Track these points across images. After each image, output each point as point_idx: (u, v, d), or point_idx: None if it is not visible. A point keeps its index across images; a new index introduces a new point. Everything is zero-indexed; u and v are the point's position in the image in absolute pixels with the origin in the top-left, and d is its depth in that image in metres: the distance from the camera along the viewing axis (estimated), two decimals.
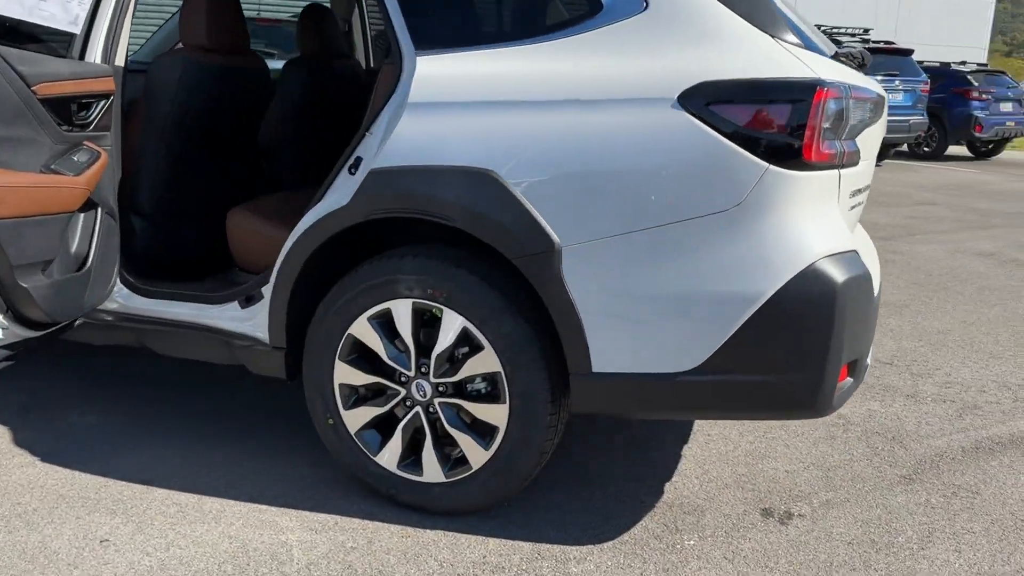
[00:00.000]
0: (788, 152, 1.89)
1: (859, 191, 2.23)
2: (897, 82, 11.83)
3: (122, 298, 2.65)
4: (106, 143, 2.41)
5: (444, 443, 2.32)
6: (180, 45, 4.40)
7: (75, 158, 2.24)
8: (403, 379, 2.30)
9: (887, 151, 12.85)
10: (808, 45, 2.06)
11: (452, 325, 2.18)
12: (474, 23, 2.22)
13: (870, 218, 7.73)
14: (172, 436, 2.80)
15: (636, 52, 2.00)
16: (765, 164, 1.89)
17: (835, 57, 2.18)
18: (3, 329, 2.24)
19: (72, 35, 2.33)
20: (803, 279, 1.92)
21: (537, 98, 2.04)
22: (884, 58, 11.75)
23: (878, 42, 12.91)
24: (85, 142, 2.31)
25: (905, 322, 4.41)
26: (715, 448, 2.85)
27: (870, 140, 2.20)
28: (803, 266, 1.92)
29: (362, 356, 2.35)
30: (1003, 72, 14.65)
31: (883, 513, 2.46)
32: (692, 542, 2.28)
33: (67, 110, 2.22)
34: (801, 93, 1.87)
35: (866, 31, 13.26)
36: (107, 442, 2.75)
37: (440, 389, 2.26)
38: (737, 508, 2.46)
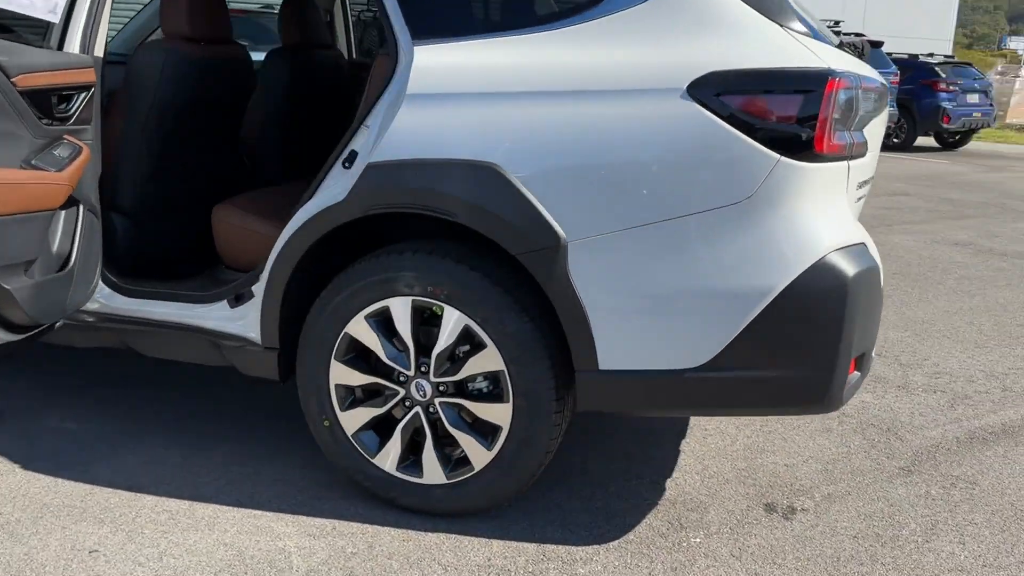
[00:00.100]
0: (800, 143, 1.85)
1: (864, 183, 2.21)
2: None
3: (103, 298, 2.55)
4: (87, 137, 2.31)
5: (444, 444, 2.26)
6: (154, 37, 4.30)
7: (56, 153, 2.14)
8: (402, 379, 2.23)
9: None
10: (814, 34, 2.03)
11: (453, 323, 2.12)
12: (473, 12, 2.16)
13: None
14: (157, 440, 2.71)
15: (642, 41, 1.95)
16: (776, 156, 1.85)
17: (839, 47, 2.15)
18: None
19: (50, 24, 2.23)
20: (814, 272, 1.89)
21: (540, 89, 1.98)
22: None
23: (848, 34, 13.01)
24: (65, 136, 2.22)
25: (889, 312, 4.43)
26: (713, 443, 2.82)
27: (875, 131, 2.18)
28: (814, 259, 1.89)
29: (359, 356, 2.28)
30: (969, 64, 14.85)
31: (885, 506, 2.45)
32: (698, 539, 2.25)
33: (47, 103, 2.13)
34: (812, 83, 1.84)
35: (837, 23, 13.36)
36: (89, 448, 2.65)
37: (441, 389, 2.20)
38: (740, 504, 2.44)
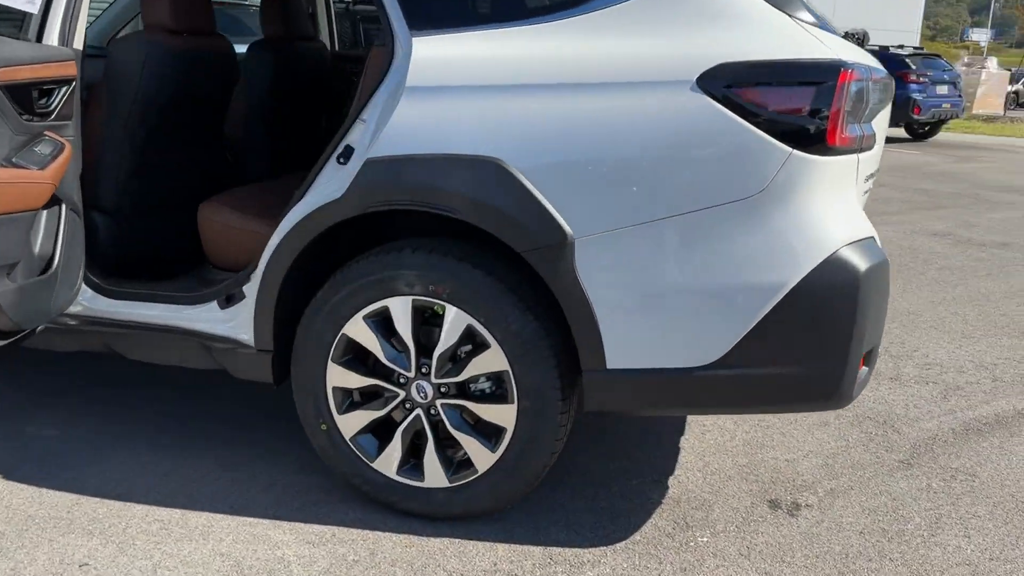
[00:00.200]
0: (812, 136, 1.82)
1: (871, 176, 2.18)
2: None
3: (86, 300, 2.46)
4: (68, 133, 2.22)
5: (446, 446, 2.21)
6: (127, 31, 4.17)
7: (37, 150, 2.05)
8: (402, 381, 2.17)
9: None
10: (821, 24, 2.00)
11: (455, 323, 2.07)
12: (474, 2, 2.09)
13: None
14: (144, 445, 2.63)
15: (650, 31, 1.90)
16: (789, 149, 1.82)
17: (844, 37, 2.13)
18: None
19: (28, 15, 2.13)
20: (826, 268, 1.86)
21: (544, 81, 1.93)
22: None
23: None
24: (46, 132, 2.12)
25: None
26: (712, 439, 2.80)
27: (881, 123, 2.15)
28: (826, 254, 1.86)
29: (357, 357, 2.22)
30: (938, 56, 15.03)
31: (888, 500, 2.44)
32: (705, 539, 2.22)
33: (28, 98, 2.03)
34: (825, 75, 1.80)
35: None
36: (73, 455, 2.56)
37: (442, 390, 2.14)
38: (744, 501, 2.41)
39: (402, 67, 2.04)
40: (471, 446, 2.15)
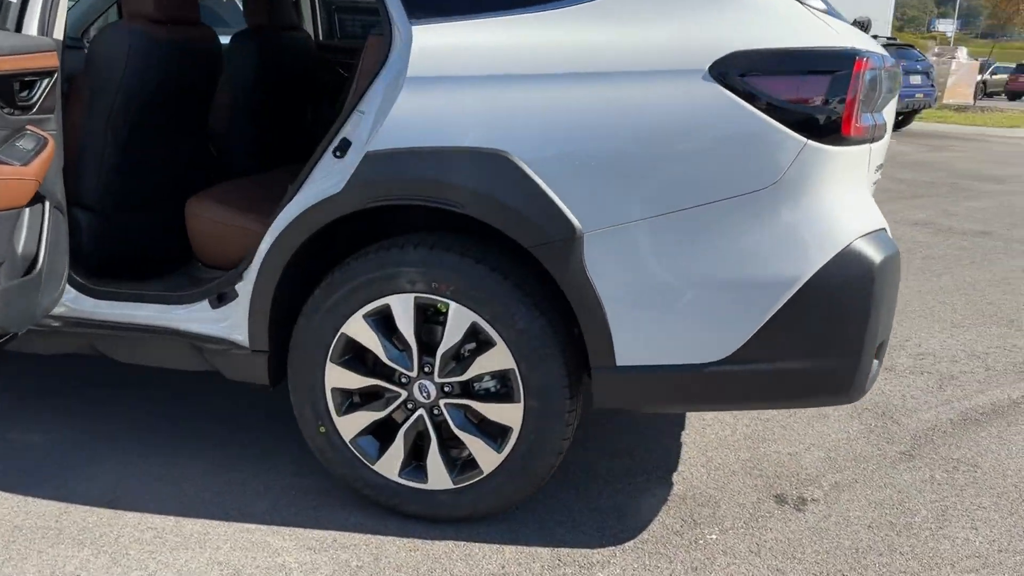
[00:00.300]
0: (827, 126, 1.78)
1: (879, 167, 2.15)
2: None
3: (69, 300, 2.37)
4: (50, 127, 2.12)
5: (449, 447, 2.15)
6: (99, 23, 4.05)
7: (19, 145, 1.95)
8: (404, 380, 2.11)
9: None
10: (830, 11, 1.96)
11: (459, 321, 2.01)
12: None
13: None
14: (133, 449, 2.54)
15: (660, 18, 1.85)
16: (803, 139, 1.78)
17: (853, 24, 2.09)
18: None
19: (6, 3, 2.03)
20: (841, 260, 1.82)
21: (552, 71, 1.87)
22: None
23: None
24: (28, 126, 2.02)
25: None
26: (713, 433, 2.76)
27: (890, 113, 2.12)
28: (841, 247, 1.82)
29: (356, 357, 2.15)
30: (911, 46, 15.16)
31: (894, 493, 2.42)
32: (714, 536, 2.19)
33: (9, 90, 1.93)
34: (840, 63, 1.76)
35: None
36: (59, 461, 2.47)
37: (446, 390, 2.09)
38: (750, 496, 2.38)
39: (402, 56, 1.97)
40: (476, 446, 2.09)
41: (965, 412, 2.99)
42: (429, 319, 2.09)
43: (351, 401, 2.17)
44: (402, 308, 2.04)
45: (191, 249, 2.57)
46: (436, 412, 2.11)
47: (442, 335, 2.05)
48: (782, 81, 1.77)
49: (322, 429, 2.18)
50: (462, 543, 2.12)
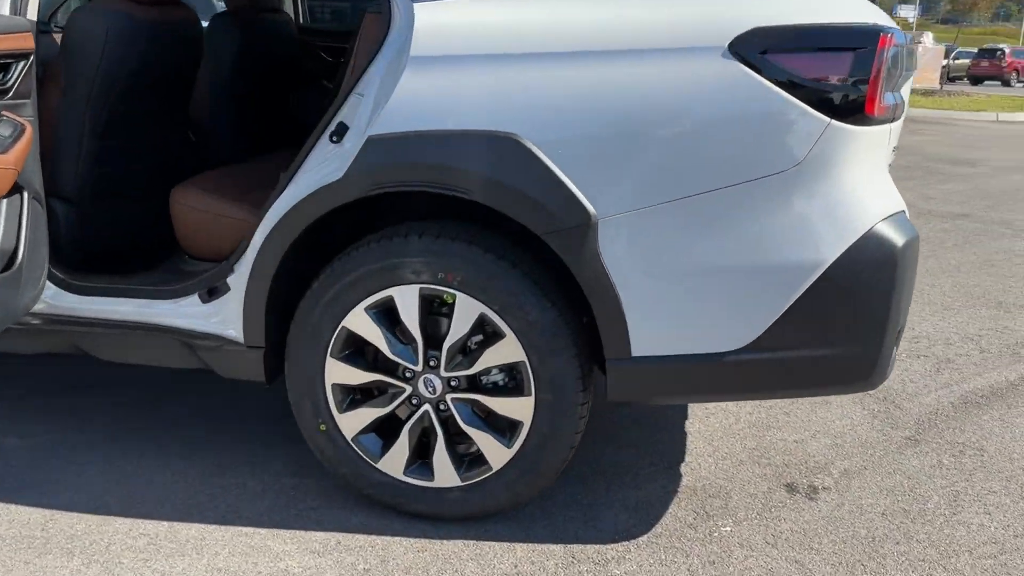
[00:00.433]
0: (851, 106, 1.72)
1: (895, 148, 2.10)
2: None
3: (49, 297, 2.24)
4: (27, 113, 2.00)
5: (455, 443, 2.07)
6: (64, 6, 3.87)
7: None
8: (408, 375, 2.03)
9: None
10: None
11: (467, 312, 1.93)
12: None
13: None
14: (118, 451, 2.43)
15: None
16: (827, 119, 1.71)
17: None
18: None
19: None
20: (864, 244, 1.77)
21: (564, 49, 1.79)
22: None
23: None
24: (4, 112, 1.90)
25: None
26: (717, 422, 2.72)
27: (906, 92, 2.07)
28: (864, 230, 1.77)
29: (358, 352, 2.06)
30: None
31: (904, 479, 2.39)
32: (728, 528, 2.13)
33: None
34: (865, 40, 1.70)
35: None
36: (41, 466, 2.35)
37: (452, 384, 2.01)
38: (761, 486, 2.34)
39: (402, 35, 1.88)
40: (485, 442, 2.02)
41: (965, 395, 2.97)
42: (433, 311, 2.01)
43: (352, 397, 2.08)
44: (406, 300, 1.95)
45: (176, 241, 2.45)
46: (442, 407, 2.03)
47: (448, 327, 1.96)
48: (804, 58, 1.70)
49: (322, 427, 2.09)
50: (471, 542, 2.04)
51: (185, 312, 2.18)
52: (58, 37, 3.12)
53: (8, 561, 1.93)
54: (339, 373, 2.04)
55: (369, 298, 1.97)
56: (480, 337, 1.99)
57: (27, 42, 1.94)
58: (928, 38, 21.82)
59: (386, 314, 2.00)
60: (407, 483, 2.08)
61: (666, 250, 1.79)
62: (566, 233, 1.80)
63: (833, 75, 1.71)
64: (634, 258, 1.81)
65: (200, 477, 2.31)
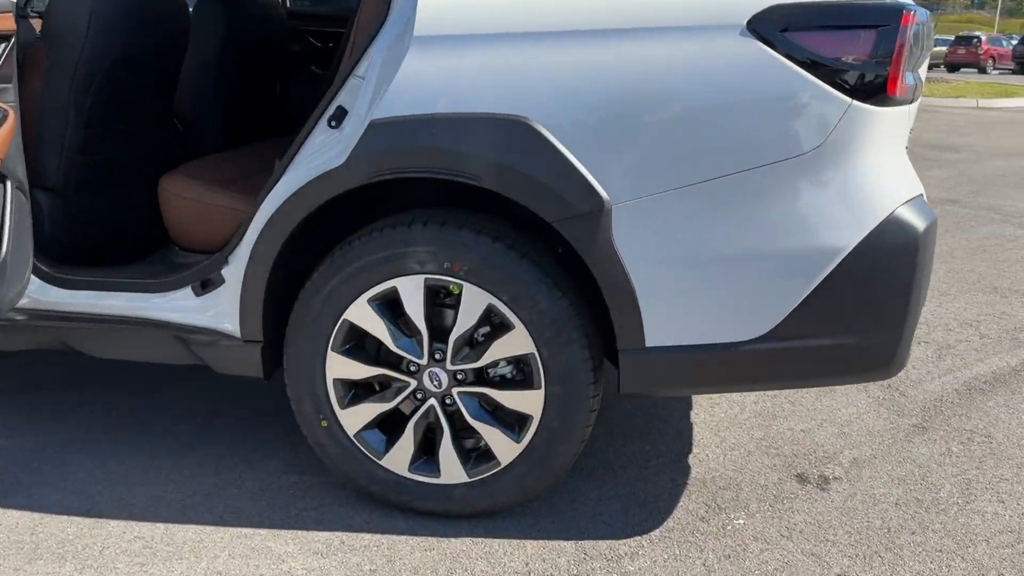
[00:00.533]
0: (873, 85, 1.66)
1: (911, 130, 2.05)
2: None
3: (33, 291, 2.15)
4: (8, 98, 1.90)
5: (461, 438, 2.01)
6: None
7: None
8: (413, 369, 1.96)
9: None
10: None
11: (474, 303, 1.86)
12: None
13: None
14: (108, 450, 2.34)
15: None
16: (848, 100, 1.66)
17: None
18: None
19: None
20: (886, 228, 1.71)
21: (575, 28, 1.72)
22: None
23: None
24: None
25: None
26: (723, 412, 2.67)
27: (923, 72, 2.02)
28: (885, 214, 1.72)
29: (360, 345, 1.99)
30: None
31: (914, 468, 2.36)
32: (741, 521, 2.09)
33: None
34: (887, 18, 1.64)
35: None
36: (27, 467, 2.26)
37: (459, 377, 1.94)
38: (771, 477, 2.29)
39: (404, 14, 1.80)
40: (493, 437, 1.95)
41: (969, 382, 2.95)
42: (438, 302, 1.94)
43: (354, 392, 2.01)
44: (411, 291, 1.88)
45: (166, 232, 2.36)
46: (448, 401, 1.96)
47: (454, 319, 1.90)
48: (825, 37, 1.65)
49: (324, 423, 2.02)
50: (480, 540, 1.98)
51: (178, 306, 2.09)
52: (35, 23, 3.01)
53: None
54: (341, 368, 1.97)
55: (372, 289, 1.90)
56: (487, 329, 1.93)
57: (8, 23, 1.85)
58: None
59: (389, 306, 1.93)
60: (412, 480, 2.02)
61: (681, 237, 1.73)
62: (578, 220, 1.74)
63: (855, 54, 1.65)
64: (648, 245, 1.75)
65: (195, 476, 2.23)
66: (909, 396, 2.82)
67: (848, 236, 1.71)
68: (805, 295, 1.74)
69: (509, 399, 1.92)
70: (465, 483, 2.00)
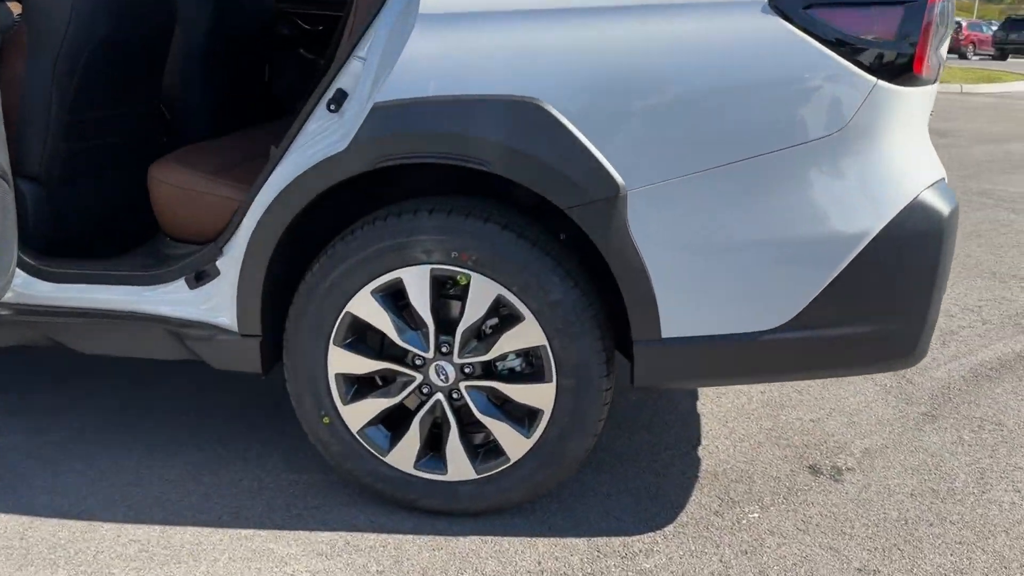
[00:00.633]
0: (898, 65, 1.60)
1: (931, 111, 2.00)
2: None
3: (19, 285, 2.06)
4: None
5: (469, 433, 1.94)
6: None
7: None
8: (418, 362, 1.89)
9: None
10: None
11: (483, 294, 1.79)
12: None
13: None
14: (98, 453, 2.26)
15: None
16: (873, 79, 1.60)
17: None
18: None
19: None
20: (910, 213, 1.66)
21: (589, 4, 1.64)
22: None
23: None
24: None
25: None
26: (730, 403, 2.62)
27: (944, 52, 1.96)
28: (910, 198, 1.66)
29: (362, 339, 1.91)
30: None
31: (927, 457, 2.31)
32: (756, 514, 2.04)
33: None
34: None
35: None
36: (14, 469, 2.17)
37: (466, 371, 1.87)
38: (783, 468, 2.24)
39: None
40: (502, 432, 1.89)
41: (975, 368, 2.91)
42: (445, 294, 1.86)
43: (357, 388, 1.94)
44: (416, 282, 1.81)
45: (155, 222, 2.27)
46: (455, 396, 1.89)
47: (461, 311, 1.82)
48: (851, 13, 1.58)
49: (326, 420, 1.94)
50: (489, 538, 1.92)
51: (170, 299, 2.01)
52: (12, 6, 2.90)
53: None
54: (343, 362, 1.90)
55: (375, 281, 1.82)
56: (496, 321, 1.86)
57: None
58: None
59: (394, 298, 1.86)
60: (418, 477, 1.95)
61: (699, 223, 1.67)
62: (593, 207, 1.67)
63: (881, 32, 1.59)
64: (665, 232, 1.68)
65: (192, 476, 2.15)
66: (916, 384, 2.78)
67: (870, 222, 1.65)
68: (827, 283, 1.68)
69: (519, 393, 1.86)
70: (473, 480, 1.93)
